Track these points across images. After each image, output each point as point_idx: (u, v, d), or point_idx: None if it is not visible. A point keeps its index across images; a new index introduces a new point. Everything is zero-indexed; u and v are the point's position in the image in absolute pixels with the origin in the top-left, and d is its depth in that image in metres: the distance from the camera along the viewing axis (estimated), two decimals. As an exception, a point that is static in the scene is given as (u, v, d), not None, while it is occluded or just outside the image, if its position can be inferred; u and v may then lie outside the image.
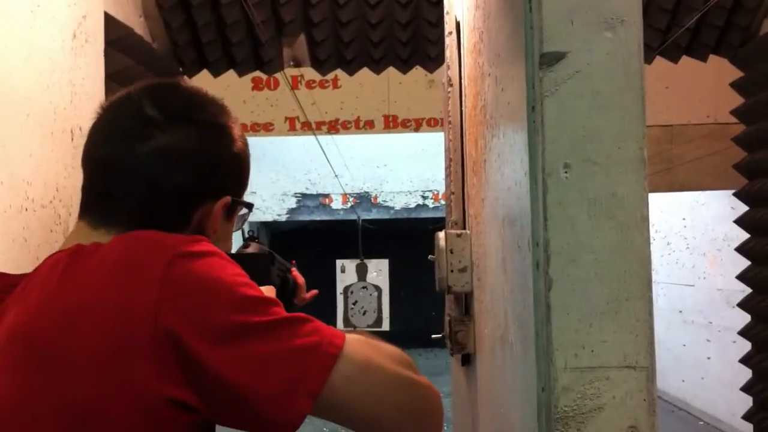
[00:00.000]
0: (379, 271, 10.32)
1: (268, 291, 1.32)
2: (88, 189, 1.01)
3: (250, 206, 1.12)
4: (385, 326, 10.70)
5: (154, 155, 0.95)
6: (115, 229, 0.95)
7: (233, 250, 1.29)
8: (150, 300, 0.83)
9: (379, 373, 0.91)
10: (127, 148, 0.95)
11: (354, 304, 10.48)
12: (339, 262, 10.42)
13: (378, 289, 10.54)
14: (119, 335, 0.83)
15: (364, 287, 10.44)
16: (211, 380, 0.84)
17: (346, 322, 10.70)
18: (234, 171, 1.04)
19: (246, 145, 1.08)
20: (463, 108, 2.10)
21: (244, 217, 1.14)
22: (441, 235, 2.04)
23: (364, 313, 10.77)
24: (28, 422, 0.85)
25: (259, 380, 0.84)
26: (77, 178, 1.06)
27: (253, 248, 1.44)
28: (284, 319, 0.88)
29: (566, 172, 1.01)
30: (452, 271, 1.97)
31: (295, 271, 1.56)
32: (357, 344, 0.91)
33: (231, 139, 1.03)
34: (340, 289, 10.34)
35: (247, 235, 1.49)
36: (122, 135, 0.97)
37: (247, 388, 0.84)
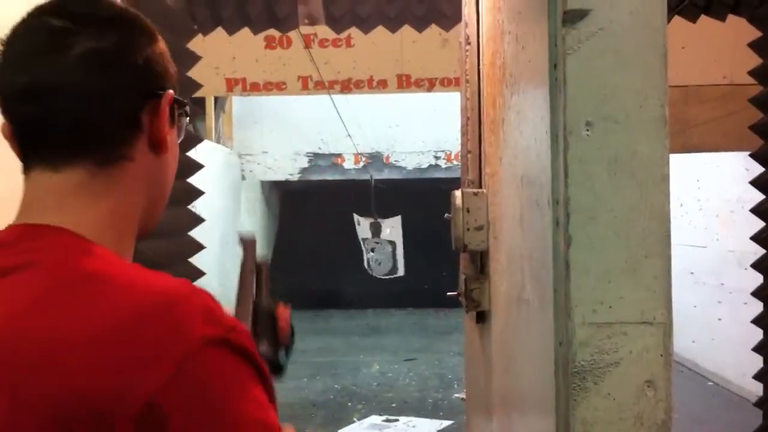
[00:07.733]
0: (392, 228, 10.41)
1: None
2: (20, 129, 0.89)
3: (185, 104, 1.01)
4: (401, 272, 10.87)
5: (76, 63, 0.86)
6: (64, 160, 0.86)
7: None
8: (148, 387, 0.71)
9: None
10: (48, 64, 0.86)
11: (372, 250, 10.70)
12: (355, 217, 10.55)
13: (392, 243, 10.69)
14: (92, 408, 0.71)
15: (377, 242, 10.62)
16: None
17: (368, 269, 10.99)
18: (163, 66, 0.96)
19: (162, 42, 0.99)
20: (480, 66, 2.09)
21: (186, 125, 1.05)
22: (457, 193, 2.05)
23: (379, 264, 11.00)
24: None
25: None
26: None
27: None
28: None
29: (587, 130, 1.02)
30: (468, 229, 1.98)
31: (281, 309, 1.34)
32: None
33: (149, 34, 0.96)
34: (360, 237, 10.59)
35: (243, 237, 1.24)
36: (37, 54, 0.87)
37: None
